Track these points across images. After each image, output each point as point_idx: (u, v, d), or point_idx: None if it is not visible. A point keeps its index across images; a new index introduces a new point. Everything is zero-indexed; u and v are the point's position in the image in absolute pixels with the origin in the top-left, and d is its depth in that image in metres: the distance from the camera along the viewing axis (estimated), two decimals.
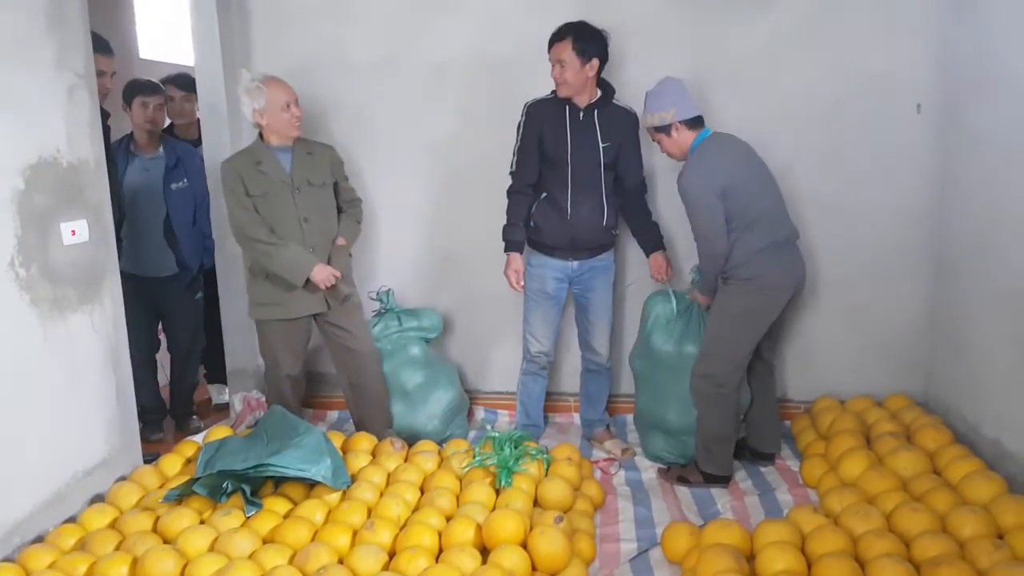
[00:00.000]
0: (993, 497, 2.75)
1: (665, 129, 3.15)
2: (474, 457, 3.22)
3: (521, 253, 3.53)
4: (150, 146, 3.81)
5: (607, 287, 3.64)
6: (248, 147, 3.39)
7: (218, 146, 3.95)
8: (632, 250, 3.84)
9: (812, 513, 2.77)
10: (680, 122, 3.13)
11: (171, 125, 4.18)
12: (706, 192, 3.08)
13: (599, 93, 3.41)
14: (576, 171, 3.41)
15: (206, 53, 3.89)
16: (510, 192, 3.53)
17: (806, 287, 3.47)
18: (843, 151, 3.70)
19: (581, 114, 3.38)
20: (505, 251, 3.53)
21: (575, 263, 3.54)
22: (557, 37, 3.29)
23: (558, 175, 3.43)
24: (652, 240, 3.66)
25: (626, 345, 3.87)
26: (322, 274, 3.27)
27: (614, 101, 3.45)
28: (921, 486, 2.90)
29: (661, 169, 3.74)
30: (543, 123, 3.40)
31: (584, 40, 3.25)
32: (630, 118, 3.46)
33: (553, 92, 3.40)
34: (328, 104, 3.56)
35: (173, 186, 3.84)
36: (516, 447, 3.24)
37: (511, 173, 3.51)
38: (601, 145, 3.39)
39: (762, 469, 3.50)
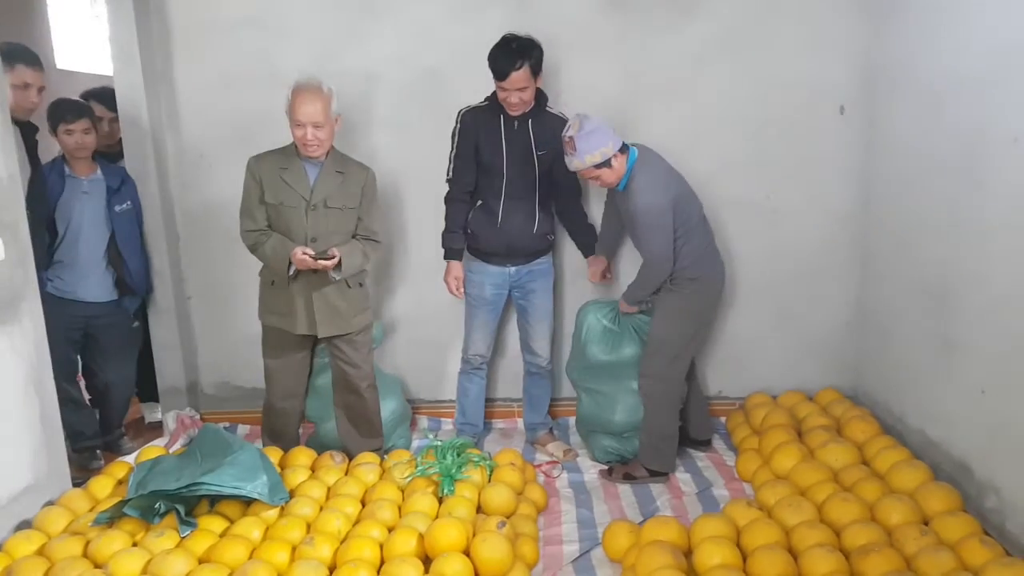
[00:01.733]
0: (919, 485, 2.86)
1: (606, 163, 3.16)
2: (416, 467, 3.21)
3: (460, 260, 3.54)
4: (86, 169, 3.67)
5: (546, 290, 3.67)
6: (283, 148, 3.21)
7: (141, 160, 3.87)
8: (569, 253, 3.89)
9: (746, 507, 2.84)
10: (617, 151, 3.18)
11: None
12: (666, 210, 3.16)
13: (533, 102, 3.42)
14: (511, 180, 3.43)
15: (125, 63, 3.78)
16: (447, 199, 3.53)
17: (737, 288, 3.58)
18: (769, 155, 3.80)
19: (516, 123, 3.40)
20: (445, 258, 3.54)
21: (512, 268, 3.56)
22: (514, 65, 3.19)
23: (492, 183, 3.45)
24: (589, 242, 3.72)
25: (567, 348, 3.91)
26: (298, 254, 3.08)
27: (547, 108, 3.48)
28: (851, 477, 3.00)
29: None
30: (479, 132, 3.41)
31: (536, 59, 3.24)
32: (561, 124, 3.48)
33: (487, 100, 3.41)
34: (256, 115, 3.50)
35: (117, 208, 3.71)
36: (459, 455, 3.24)
37: (448, 180, 3.50)
38: (536, 153, 3.42)
39: (699, 464, 3.59)
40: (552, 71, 3.69)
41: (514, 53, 3.19)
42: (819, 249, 3.88)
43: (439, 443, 3.31)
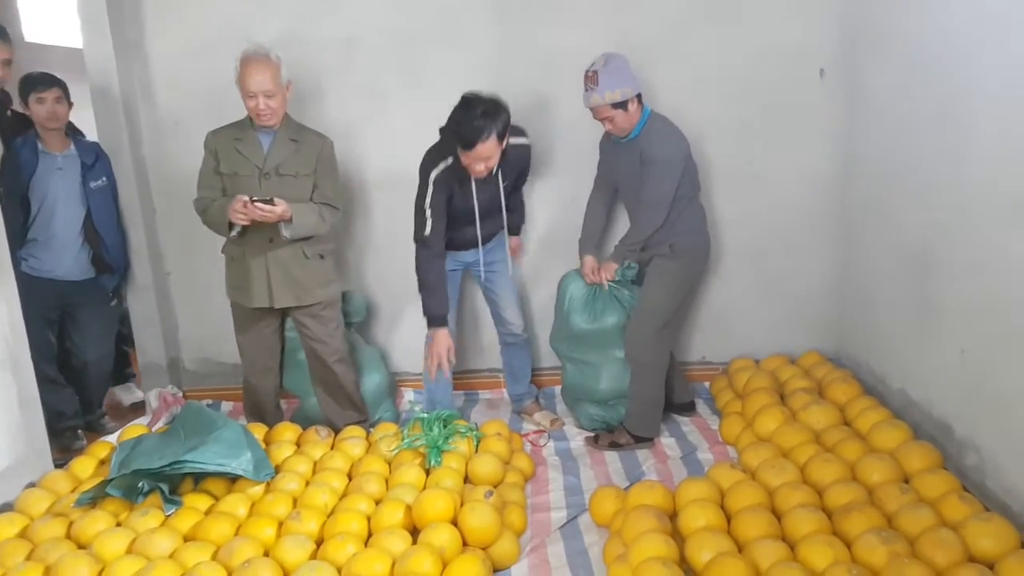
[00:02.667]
0: (899, 444, 2.90)
1: (623, 105, 3.14)
2: (403, 439, 3.21)
3: (447, 326, 3.35)
4: (60, 144, 3.61)
5: (506, 260, 3.62)
6: (239, 120, 3.21)
7: (114, 132, 3.80)
8: (532, 222, 3.90)
9: (730, 470, 2.87)
10: (636, 96, 3.18)
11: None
12: (680, 158, 3.22)
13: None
14: (482, 215, 3.37)
15: (95, 34, 3.70)
16: (424, 258, 3.30)
17: (720, 253, 3.61)
18: (752, 120, 3.78)
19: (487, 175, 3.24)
20: (429, 327, 3.36)
21: (473, 249, 3.51)
22: (480, 136, 2.98)
23: (464, 217, 3.36)
24: (517, 224, 3.73)
25: (537, 317, 3.92)
26: (235, 203, 3.03)
27: (511, 140, 3.22)
28: (832, 438, 3.03)
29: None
30: (451, 190, 3.25)
31: (503, 124, 3.03)
32: (524, 151, 3.38)
33: (454, 159, 3.17)
34: (230, 84, 3.42)
35: (92, 185, 3.65)
36: (445, 426, 3.24)
37: (422, 239, 3.27)
38: (502, 186, 3.36)
39: (684, 429, 3.62)
40: (531, 37, 3.66)
41: (479, 121, 2.96)
42: (801, 214, 3.88)
43: (425, 415, 3.30)
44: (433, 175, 3.21)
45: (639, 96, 3.20)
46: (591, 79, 3.13)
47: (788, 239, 3.91)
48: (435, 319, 3.33)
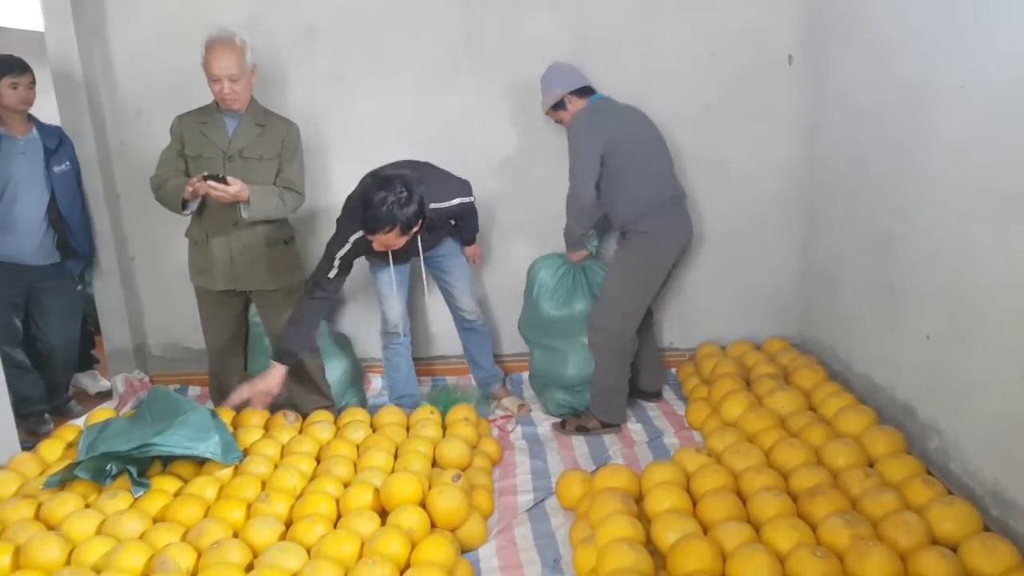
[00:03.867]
0: (864, 429, 2.95)
1: (560, 105, 3.37)
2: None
3: (287, 367, 3.18)
4: (22, 128, 3.55)
5: (455, 253, 3.61)
6: (205, 106, 3.23)
7: (76, 117, 3.76)
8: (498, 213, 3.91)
9: (696, 454, 2.90)
10: (569, 94, 3.35)
11: None
12: (589, 138, 3.24)
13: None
14: (407, 256, 3.39)
15: (56, 18, 3.65)
16: (311, 296, 3.15)
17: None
18: (718, 107, 3.81)
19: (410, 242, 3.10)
20: (275, 359, 3.16)
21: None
22: (381, 227, 2.86)
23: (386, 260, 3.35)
24: (467, 238, 3.63)
25: (499, 303, 3.97)
26: (193, 181, 3.01)
27: (432, 207, 3.05)
28: (797, 423, 3.07)
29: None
30: (368, 251, 3.15)
31: (411, 216, 2.87)
32: (453, 208, 3.26)
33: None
34: (194, 70, 3.37)
35: (56, 169, 3.60)
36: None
37: (317, 281, 3.13)
38: (436, 242, 3.43)
39: (650, 414, 3.65)
40: (498, 26, 3.66)
41: (385, 211, 2.81)
42: (767, 201, 3.92)
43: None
44: (353, 238, 3.06)
45: (580, 92, 3.35)
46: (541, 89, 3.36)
47: (753, 226, 3.95)
48: (287, 356, 3.15)
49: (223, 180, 2.98)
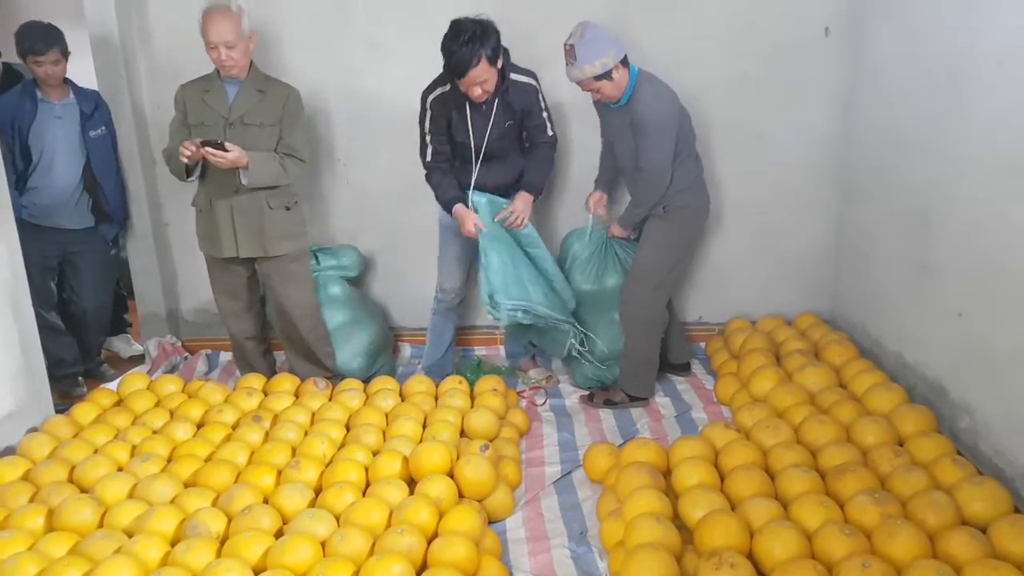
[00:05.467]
0: (894, 407, 2.91)
1: (607, 75, 3.07)
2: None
3: (464, 204, 3.30)
4: (58, 93, 3.57)
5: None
6: (207, 74, 3.26)
7: (113, 81, 3.76)
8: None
9: (724, 429, 2.89)
10: (619, 63, 3.09)
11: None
12: (669, 119, 3.14)
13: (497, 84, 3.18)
14: (482, 151, 3.32)
15: None
16: (429, 175, 3.36)
17: (718, 212, 3.59)
18: (753, 77, 3.74)
19: (482, 105, 3.22)
20: (451, 213, 3.32)
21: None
22: (470, 62, 2.95)
23: (465, 153, 3.34)
24: (532, 181, 3.45)
25: None
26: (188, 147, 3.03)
27: (513, 78, 3.22)
28: (827, 399, 3.04)
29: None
30: (448, 114, 3.24)
31: (493, 46, 2.99)
32: (529, 90, 3.27)
33: (451, 86, 3.16)
34: None
35: (92, 134, 3.63)
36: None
37: (424, 162, 3.35)
38: (505, 124, 3.29)
39: (679, 388, 3.64)
40: None
41: (467, 48, 2.92)
42: (800, 173, 3.86)
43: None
44: (430, 99, 3.25)
45: (624, 60, 3.11)
46: (569, 53, 3.06)
47: (787, 199, 3.89)
48: (448, 202, 3.32)
49: (222, 146, 2.99)
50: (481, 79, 3.04)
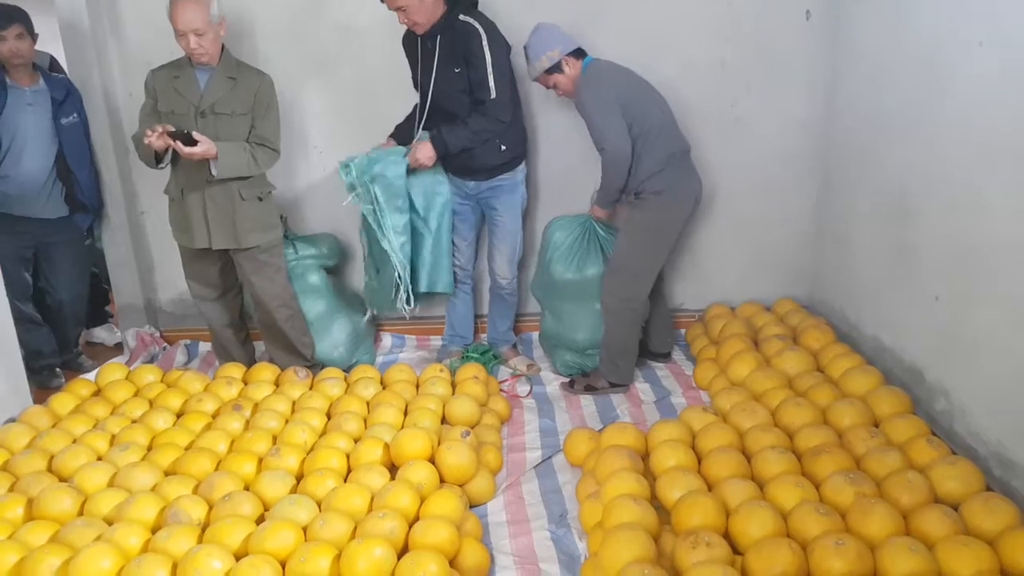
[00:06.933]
0: (870, 389, 2.95)
1: (557, 68, 3.19)
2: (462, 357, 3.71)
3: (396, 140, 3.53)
4: (27, 78, 3.52)
5: (510, 209, 3.59)
6: (177, 59, 3.19)
7: (84, 68, 3.72)
8: (543, 170, 3.87)
9: (702, 412, 2.92)
10: (567, 55, 3.18)
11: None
12: (605, 99, 3.13)
13: (432, 20, 3.21)
14: (434, 99, 3.35)
15: None
16: None
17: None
18: (732, 61, 3.74)
19: (428, 41, 3.27)
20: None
21: (471, 183, 3.52)
22: None
23: (425, 104, 3.39)
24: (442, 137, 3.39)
25: (533, 268, 3.91)
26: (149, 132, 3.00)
27: (461, 19, 3.21)
28: (805, 383, 3.08)
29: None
30: (409, 50, 3.37)
31: None
32: (473, 34, 3.21)
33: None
34: None
35: (64, 121, 3.58)
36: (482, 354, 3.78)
37: None
38: (452, 71, 3.28)
39: (658, 374, 3.66)
40: None
41: None
42: (781, 159, 3.87)
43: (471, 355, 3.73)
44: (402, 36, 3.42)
45: (575, 53, 3.20)
46: (525, 53, 3.19)
47: (766, 185, 3.90)
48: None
49: (190, 137, 2.96)
50: (398, 4, 3.10)
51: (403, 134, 3.54)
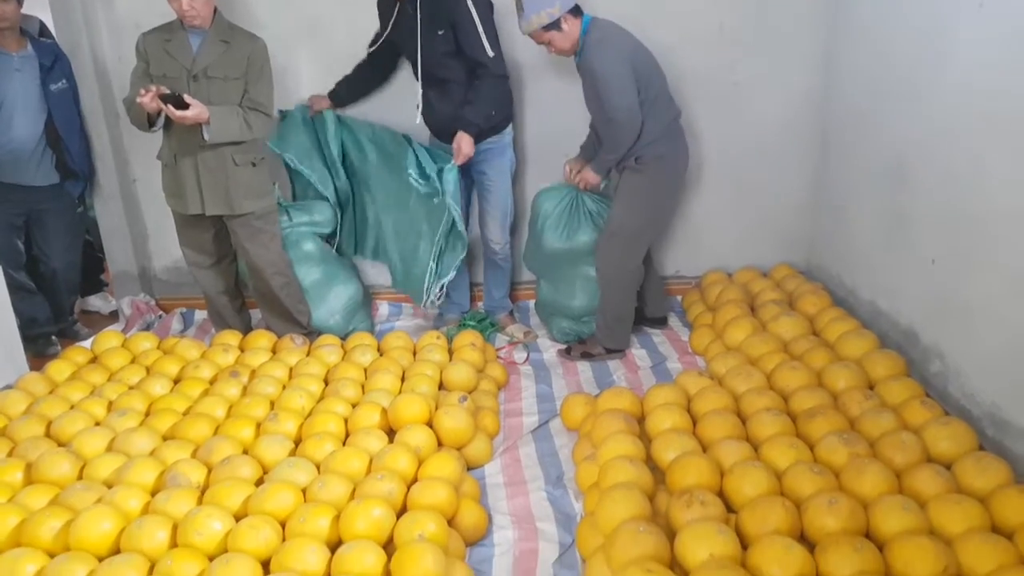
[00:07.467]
0: (865, 352, 2.97)
1: (555, 25, 3.06)
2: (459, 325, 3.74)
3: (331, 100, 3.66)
4: (15, 43, 3.47)
5: (499, 173, 3.58)
6: (170, 22, 3.14)
7: (72, 32, 3.67)
8: (531, 136, 3.84)
9: (698, 377, 2.93)
10: (567, 12, 3.06)
11: None
12: (620, 65, 3.06)
13: None
14: (425, 67, 3.31)
15: None
16: None
17: (697, 165, 3.57)
18: (730, 27, 3.70)
19: (409, 6, 3.23)
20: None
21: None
22: None
23: (411, 67, 3.37)
24: (465, 118, 3.40)
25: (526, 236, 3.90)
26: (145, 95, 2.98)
27: None
28: (800, 347, 3.09)
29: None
30: (383, 12, 3.34)
31: None
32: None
33: None
34: None
35: (52, 87, 3.54)
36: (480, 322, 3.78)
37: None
38: (436, 33, 3.24)
39: (655, 340, 3.68)
40: None
41: None
42: (779, 126, 3.84)
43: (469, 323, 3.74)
44: None
45: (574, 10, 3.08)
46: (518, 4, 3.05)
47: (765, 151, 3.88)
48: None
49: (181, 99, 2.93)
50: None
51: (353, 90, 3.65)
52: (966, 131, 2.65)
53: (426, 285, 3.62)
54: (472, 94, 3.32)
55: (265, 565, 2.04)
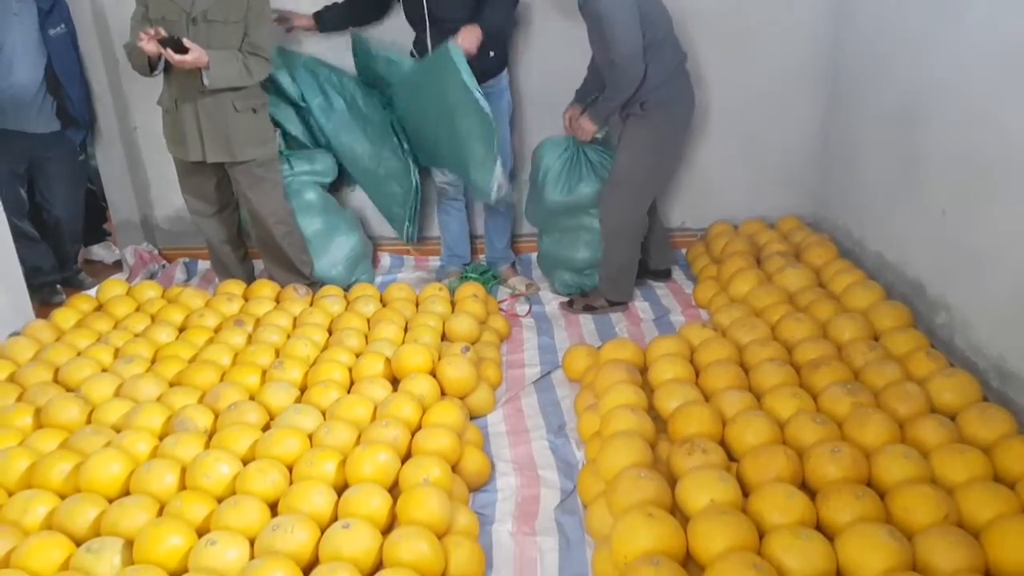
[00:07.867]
0: (871, 304, 2.95)
1: None
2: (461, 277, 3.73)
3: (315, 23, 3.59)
4: None
5: (497, 117, 3.42)
6: None
7: None
8: (527, 81, 3.78)
9: (701, 328, 2.93)
10: None
11: None
12: (627, 7, 2.97)
13: None
14: (431, 9, 3.26)
15: None
16: None
17: (703, 114, 3.50)
18: None
19: None
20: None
21: None
22: None
23: (417, 8, 3.30)
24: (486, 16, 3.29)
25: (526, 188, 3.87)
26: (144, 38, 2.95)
27: None
28: (805, 299, 3.08)
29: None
30: None
31: None
32: None
33: None
34: None
35: (51, 32, 3.50)
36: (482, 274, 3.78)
37: None
38: None
39: (658, 293, 3.67)
40: None
41: None
42: (787, 71, 3.76)
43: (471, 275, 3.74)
44: None
45: None
46: None
47: (772, 99, 3.80)
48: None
49: (180, 43, 2.89)
50: None
51: (341, 16, 3.58)
52: (981, 78, 2.60)
53: (495, 174, 3.39)
54: (488, 5, 3.24)
55: (272, 508, 2.06)
